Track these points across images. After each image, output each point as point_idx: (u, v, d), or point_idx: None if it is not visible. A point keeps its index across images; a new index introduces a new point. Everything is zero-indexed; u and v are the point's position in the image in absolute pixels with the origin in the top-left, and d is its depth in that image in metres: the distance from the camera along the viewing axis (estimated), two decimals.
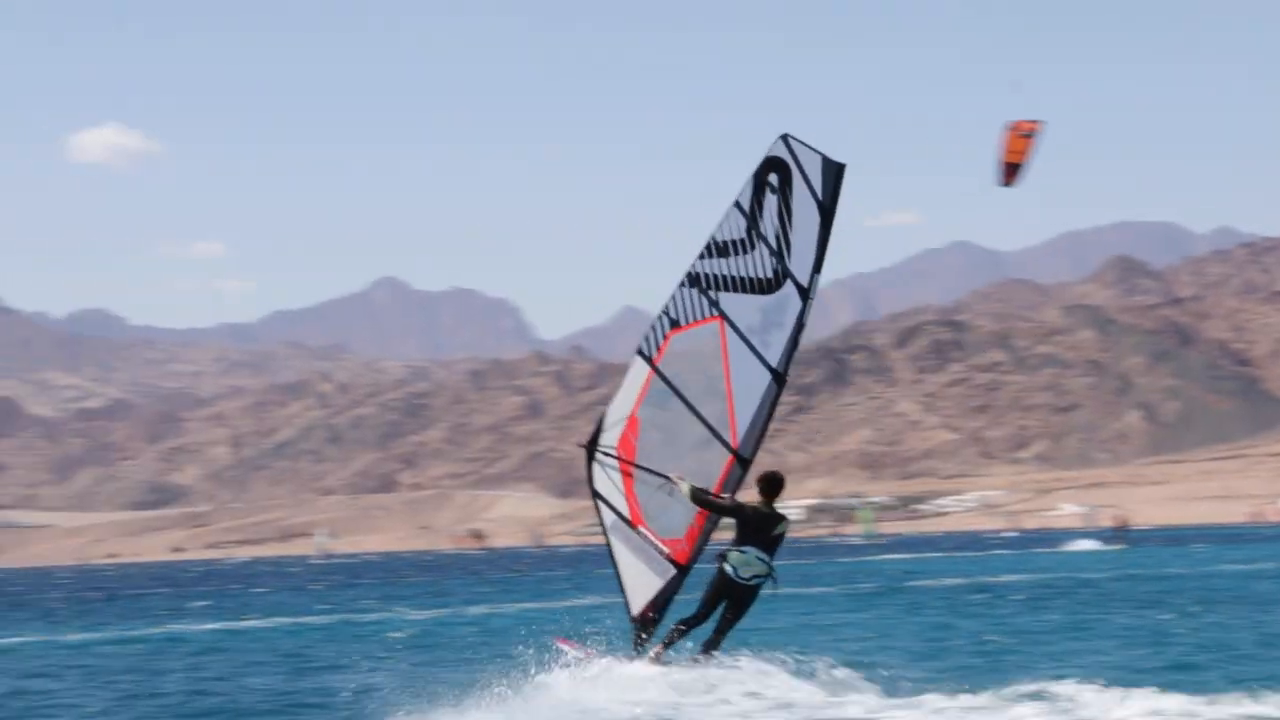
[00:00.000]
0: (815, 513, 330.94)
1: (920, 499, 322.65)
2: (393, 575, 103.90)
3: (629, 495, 21.92)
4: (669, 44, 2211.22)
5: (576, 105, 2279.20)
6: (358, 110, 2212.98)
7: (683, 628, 21.58)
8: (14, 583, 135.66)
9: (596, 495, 22.11)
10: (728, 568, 21.13)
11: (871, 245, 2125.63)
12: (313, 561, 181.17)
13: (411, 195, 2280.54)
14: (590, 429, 22.31)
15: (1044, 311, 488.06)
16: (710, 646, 21.44)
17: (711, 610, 21.43)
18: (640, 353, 21.97)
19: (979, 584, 59.09)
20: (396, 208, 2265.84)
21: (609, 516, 21.97)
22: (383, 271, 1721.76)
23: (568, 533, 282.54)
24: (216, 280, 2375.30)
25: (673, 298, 21.89)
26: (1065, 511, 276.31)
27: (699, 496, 21.31)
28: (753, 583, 21.20)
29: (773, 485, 21.52)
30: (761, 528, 21.24)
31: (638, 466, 21.84)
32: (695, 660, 21.28)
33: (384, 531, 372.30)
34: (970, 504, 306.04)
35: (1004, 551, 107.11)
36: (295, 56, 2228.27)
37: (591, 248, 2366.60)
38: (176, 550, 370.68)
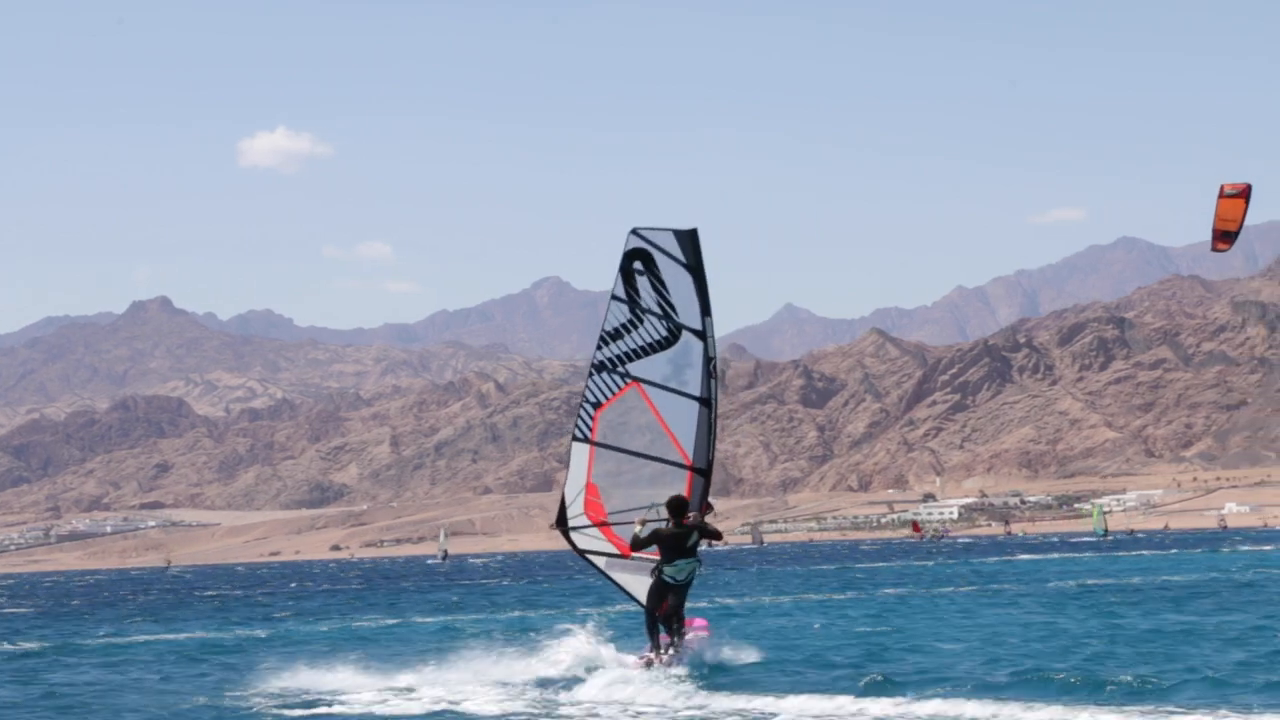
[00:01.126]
0: (972, 511, 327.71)
1: (1079, 498, 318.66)
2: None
3: (612, 539, 27.22)
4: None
5: (749, 109, 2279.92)
6: (521, 111, 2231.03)
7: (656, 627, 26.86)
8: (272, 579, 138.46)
9: (582, 553, 27.43)
10: (666, 579, 26.16)
11: (1036, 242, 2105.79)
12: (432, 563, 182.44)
13: (574, 195, 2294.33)
14: (559, 509, 27.58)
15: (1212, 308, 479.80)
16: (677, 629, 26.70)
17: (660, 607, 26.48)
18: (575, 438, 27.29)
19: None
20: (559, 208, 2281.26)
21: (600, 560, 27.29)
22: (545, 271, 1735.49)
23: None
24: (382, 281, 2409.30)
25: (587, 387, 27.41)
26: (1229, 511, 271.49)
27: (633, 543, 26.48)
28: (688, 579, 26.33)
29: (675, 508, 26.17)
30: (679, 544, 26.07)
31: (609, 523, 27.13)
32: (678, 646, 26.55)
33: (540, 531, 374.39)
34: (1131, 503, 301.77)
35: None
36: (463, 58, 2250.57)
37: (753, 248, 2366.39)
38: (336, 549, 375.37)
